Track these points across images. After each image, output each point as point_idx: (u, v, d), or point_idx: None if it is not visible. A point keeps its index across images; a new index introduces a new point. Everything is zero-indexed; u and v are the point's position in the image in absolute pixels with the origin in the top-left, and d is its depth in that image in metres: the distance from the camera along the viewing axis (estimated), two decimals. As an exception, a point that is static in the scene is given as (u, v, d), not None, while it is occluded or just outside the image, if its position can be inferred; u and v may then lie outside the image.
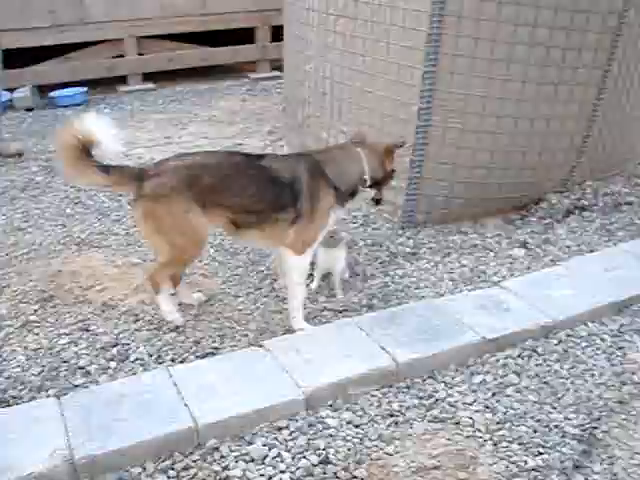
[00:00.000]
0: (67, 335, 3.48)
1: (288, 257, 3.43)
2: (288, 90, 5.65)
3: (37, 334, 3.50)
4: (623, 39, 4.24)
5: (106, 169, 3.24)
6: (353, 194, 3.54)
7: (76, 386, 3.10)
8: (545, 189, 4.65)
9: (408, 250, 4.27)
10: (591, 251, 4.21)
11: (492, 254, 4.23)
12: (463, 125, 4.25)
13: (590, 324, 3.50)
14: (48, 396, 3.01)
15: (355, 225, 4.59)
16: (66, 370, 3.21)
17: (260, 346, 3.27)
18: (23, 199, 5.02)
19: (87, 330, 3.53)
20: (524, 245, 4.29)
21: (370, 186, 3.56)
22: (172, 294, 3.64)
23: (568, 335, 3.42)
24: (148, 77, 7.68)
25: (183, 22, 7.52)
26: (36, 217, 4.75)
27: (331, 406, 2.95)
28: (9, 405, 2.97)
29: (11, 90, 6.94)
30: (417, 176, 4.37)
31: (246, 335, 3.48)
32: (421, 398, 3.01)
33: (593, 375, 3.17)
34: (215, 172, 3.30)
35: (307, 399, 2.90)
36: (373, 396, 3.01)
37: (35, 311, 3.69)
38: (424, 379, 3.12)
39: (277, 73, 8.04)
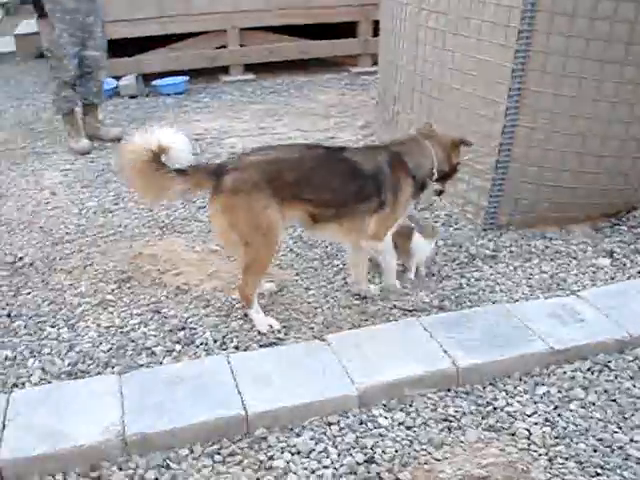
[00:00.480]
0: (139, 316, 3.61)
1: (372, 244, 3.50)
2: (381, 85, 5.60)
3: (111, 313, 3.64)
4: None
5: (183, 172, 3.24)
6: (423, 187, 3.52)
7: (140, 365, 3.21)
8: (639, 197, 4.40)
9: (488, 252, 4.14)
10: (685, 265, 3.96)
11: (575, 262, 4.04)
12: (552, 126, 4.07)
13: (672, 343, 3.29)
14: (113, 373, 3.13)
15: (437, 224, 4.49)
16: (133, 350, 3.32)
17: (322, 340, 3.27)
18: (116, 182, 5.22)
19: (158, 312, 3.64)
20: (610, 254, 4.07)
21: (437, 179, 3.53)
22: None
23: (646, 352, 3.23)
24: (249, 68, 7.82)
25: (285, 15, 7.60)
26: (126, 200, 4.93)
27: (385, 406, 2.91)
28: (76, 378, 3.12)
29: (117, 78, 7.25)
30: (502, 177, 4.23)
31: (312, 328, 3.48)
32: (479, 405, 2.92)
33: (668, 396, 2.98)
34: (297, 166, 3.30)
35: (360, 396, 2.88)
36: (429, 399, 2.95)
37: (112, 290, 3.84)
38: (485, 386, 3.03)
39: (377, 68, 7.98)
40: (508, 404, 2.93)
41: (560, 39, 3.90)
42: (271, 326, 3.46)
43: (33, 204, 4.93)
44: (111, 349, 3.34)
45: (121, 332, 3.47)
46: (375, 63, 7.96)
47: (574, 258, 4.08)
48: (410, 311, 3.63)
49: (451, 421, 2.83)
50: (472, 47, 4.22)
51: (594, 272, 3.94)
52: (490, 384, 3.04)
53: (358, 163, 3.37)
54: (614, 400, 2.94)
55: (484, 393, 2.99)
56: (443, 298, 3.72)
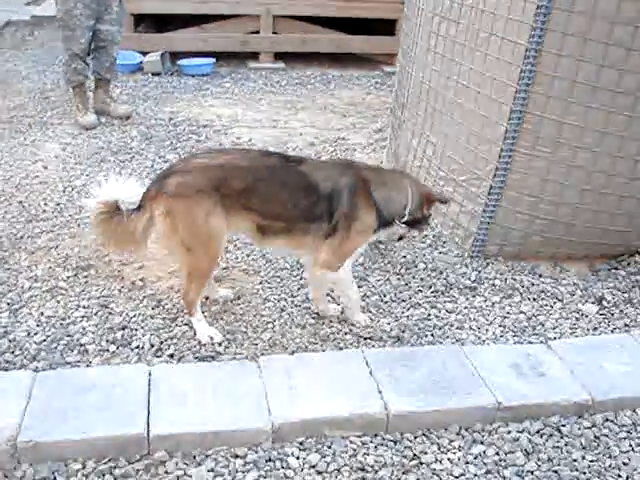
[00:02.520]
0: (84, 308, 3.47)
1: (324, 273, 3.28)
2: (395, 90, 5.32)
3: (58, 301, 3.51)
4: None
5: (139, 207, 3.15)
6: (387, 224, 3.26)
7: (67, 363, 3.07)
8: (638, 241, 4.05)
9: (468, 283, 3.86)
10: (679, 323, 3.61)
11: (559, 305, 3.72)
12: (553, 155, 3.76)
13: None
14: (35, 369, 2.99)
15: (423, 245, 4.23)
16: (66, 345, 3.18)
17: (255, 361, 3.07)
18: (111, 162, 5.11)
19: (105, 307, 3.49)
20: (599, 301, 3.75)
21: (405, 222, 3.28)
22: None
23: (606, 420, 2.92)
24: (279, 57, 7.62)
25: (322, 5, 7.37)
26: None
27: (301, 444, 2.69)
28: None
29: (144, 54, 7.14)
30: (494, 204, 3.94)
31: (256, 344, 3.28)
32: (404, 457, 2.67)
33: (620, 476, 2.68)
34: (245, 174, 3.10)
35: (275, 431, 2.67)
36: (351, 442, 2.72)
37: (67, 278, 3.71)
38: (416, 436, 2.78)
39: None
40: (437, 460, 2.67)
41: (570, 62, 3.57)
42: (212, 338, 3.27)
43: (22, 176, 4.85)
44: (44, 341, 3.21)
45: (60, 324, 3.33)
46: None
47: (559, 300, 3.76)
48: (365, 339, 3.40)
49: (367, 471, 2.60)
50: (479, 61, 3.93)
51: (577, 319, 3.63)
52: (423, 434, 2.78)
53: (313, 179, 3.13)
54: (555, 471, 2.66)
55: (413, 444, 2.74)
56: (404, 328, 3.47)
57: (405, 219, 3.26)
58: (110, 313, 3.44)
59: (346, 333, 3.42)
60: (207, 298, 3.56)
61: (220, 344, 3.25)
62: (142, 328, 3.34)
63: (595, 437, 2.84)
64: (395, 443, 2.74)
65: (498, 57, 3.80)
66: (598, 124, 3.66)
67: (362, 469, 2.61)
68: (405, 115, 4.81)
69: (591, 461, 2.72)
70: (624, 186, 3.81)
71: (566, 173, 3.79)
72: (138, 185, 3.22)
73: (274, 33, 7.43)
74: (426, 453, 2.70)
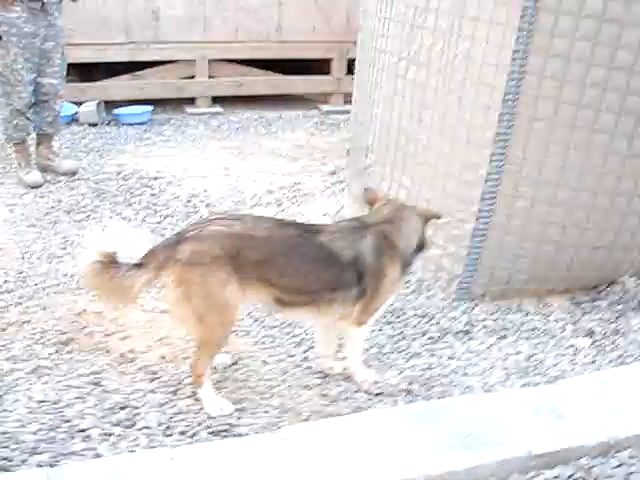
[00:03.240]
0: (76, 388, 3.22)
1: (351, 330, 3.24)
2: (354, 132, 5.32)
3: (46, 383, 3.25)
4: None
5: (140, 265, 2.97)
6: (410, 265, 3.24)
7: (72, 453, 2.84)
8: (620, 272, 4.17)
9: (460, 327, 3.86)
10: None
11: (553, 341, 3.77)
12: (535, 195, 3.83)
13: (662, 446, 3.03)
14: (40, 464, 2.75)
15: (407, 290, 4.21)
16: (66, 432, 2.93)
17: (277, 431, 2.94)
18: (65, 223, 4.85)
19: (98, 385, 3.26)
20: (590, 334, 3.83)
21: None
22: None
23: (632, 457, 2.96)
24: (217, 101, 7.51)
25: (257, 48, 7.33)
26: (74, 245, 4.55)
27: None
28: (-2, 469, 2.74)
29: (78, 104, 6.88)
30: (479, 245, 3.97)
31: (267, 412, 3.15)
32: (450, 519, 2.62)
33: (658, 513, 2.71)
34: (263, 246, 3.00)
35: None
36: (396, 510, 2.64)
37: (49, 355, 3.45)
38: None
39: (349, 107, 7.73)
40: (483, 520, 2.63)
41: (548, 104, 3.67)
42: (222, 409, 3.11)
43: (-30, 244, 4.54)
44: (41, 430, 2.95)
45: (54, 409, 3.07)
46: (347, 102, 7.79)
47: (552, 337, 3.82)
48: (376, 395, 3.32)
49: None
50: (453, 105, 3.98)
51: (574, 354, 3.68)
52: (463, 493, 2.73)
53: (335, 249, 3.07)
54: (598, 516, 2.66)
55: (456, 504, 2.68)
56: (411, 380, 3.41)
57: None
58: (105, 391, 3.22)
59: (356, 391, 3.33)
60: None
61: (231, 415, 3.10)
62: (144, 405, 3.13)
63: (626, 475, 2.86)
64: (437, 505, 2.67)
65: (476, 102, 3.86)
66: (576, 162, 3.77)
67: (413, 539, 2.52)
68: (371, 159, 4.81)
69: (628, 501, 2.74)
70: (603, 220, 3.92)
71: (548, 211, 3.87)
72: (145, 239, 3.05)
73: (210, 77, 7.33)
74: (470, 513, 2.65)
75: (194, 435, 2.97)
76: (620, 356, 3.67)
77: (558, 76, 3.61)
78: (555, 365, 3.58)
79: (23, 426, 2.96)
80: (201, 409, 3.12)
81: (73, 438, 2.91)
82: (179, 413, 3.09)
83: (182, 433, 2.98)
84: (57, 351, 3.49)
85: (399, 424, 2.94)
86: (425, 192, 4.24)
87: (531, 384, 3.41)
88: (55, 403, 3.12)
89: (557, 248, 3.97)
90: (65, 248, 4.53)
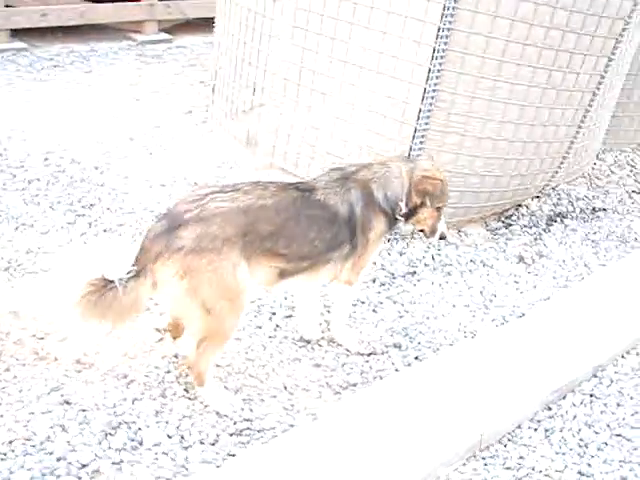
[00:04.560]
0: (45, 414, 2.67)
1: (342, 289, 3.05)
2: (224, 68, 4.87)
3: (1, 416, 2.65)
4: (621, 45, 4.01)
5: (134, 273, 2.56)
6: (394, 223, 3.05)
7: (90, 495, 2.38)
8: (525, 196, 4.40)
9: (406, 269, 3.83)
10: (585, 265, 4.06)
11: (493, 271, 3.92)
12: (465, 129, 3.84)
13: None
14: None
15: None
16: (68, 473, 2.44)
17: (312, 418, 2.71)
18: None
19: (68, 403, 2.73)
20: (521, 259, 4.02)
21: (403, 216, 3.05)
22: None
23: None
24: (15, 35, 6.39)
25: (59, -30, 6.33)
26: None
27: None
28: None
29: None
30: (410, 183, 3.91)
31: (274, 396, 2.89)
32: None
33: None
34: (273, 216, 2.66)
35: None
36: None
37: (-16, 379, 2.82)
38: (505, 445, 2.76)
39: (166, 36, 7.09)
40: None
41: (480, 39, 3.64)
42: (232, 404, 2.79)
43: None
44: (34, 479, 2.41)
45: (33, 446, 2.53)
46: (163, 31, 7.14)
47: (490, 267, 3.95)
48: (369, 355, 3.21)
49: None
50: (375, 40, 3.79)
51: (516, 282, 3.86)
52: (509, 440, 2.78)
53: (333, 206, 2.83)
54: None
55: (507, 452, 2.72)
56: (392, 332, 3.35)
57: (402, 212, 3.02)
58: (83, 410, 2.71)
59: (347, 355, 3.19)
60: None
61: (242, 409, 2.79)
62: (138, 417, 2.70)
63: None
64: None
65: (401, 36, 3.71)
66: (504, 95, 3.82)
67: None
68: (261, 98, 4.46)
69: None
70: (521, 150, 4.06)
71: (476, 145, 3.92)
72: (126, 248, 2.55)
73: (7, 6, 6.19)
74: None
75: (216, 442, 2.64)
76: (555, 278, 3.92)
77: (491, 11, 3.58)
78: (506, 296, 3.72)
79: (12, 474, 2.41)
80: (205, 408, 2.78)
81: (81, 478, 2.43)
82: (183, 418, 2.72)
83: (202, 442, 2.63)
84: (-9, 371, 2.85)
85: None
86: (342, 131, 4.05)
87: (498, 320, 3.52)
88: (29, 439, 2.56)
89: (481, 180, 4.05)
90: None
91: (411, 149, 3.83)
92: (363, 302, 3.55)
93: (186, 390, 2.85)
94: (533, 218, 4.37)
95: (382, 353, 3.22)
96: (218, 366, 2.98)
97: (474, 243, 4.15)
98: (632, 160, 5.29)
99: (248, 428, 2.71)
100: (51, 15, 6.36)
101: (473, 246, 4.12)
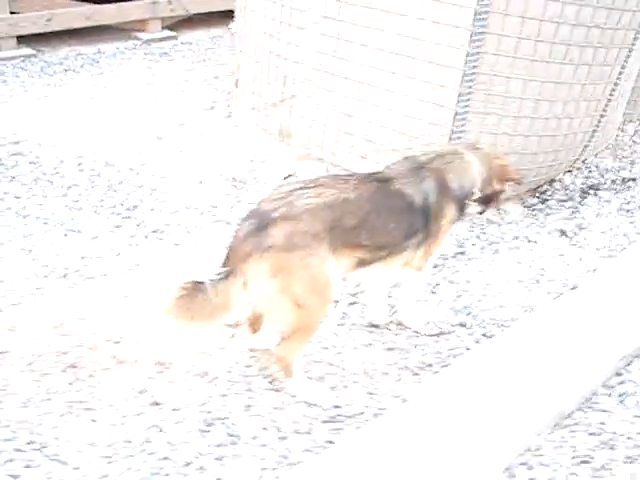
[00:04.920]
0: (139, 416, 2.70)
1: (412, 275, 3.12)
2: (249, 62, 4.88)
3: (94, 420, 2.68)
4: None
5: (225, 274, 2.57)
6: (464, 209, 3.12)
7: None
8: (558, 171, 4.48)
9: (456, 249, 3.90)
10: (624, 235, 4.14)
11: (539, 246, 4.00)
12: (503, 109, 3.91)
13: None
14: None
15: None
16: (177, 473, 2.48)
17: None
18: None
19: (158, 404, 2.77)
20: (563, 233, 4.11)
21: (476, 201, 3.15)
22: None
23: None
24: (21, 41, 6.34)
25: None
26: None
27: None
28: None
29: None
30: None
31: (355, 381, 2.94)
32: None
33: None
34: (357, 208, 2.71)
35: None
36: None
37: (70, 385, 2.83)
38: (585, 412, 2.85)
39: (170, 33, 7.08)
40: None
41: (515, 20, 3.70)
42: (320, 393, 2.84)
43: None
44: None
45: (134, 448, 2.55)
46: (166, 27, 7.12)
47: (534, 242, 4.03)
48: (437, 335, 3.28)
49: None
50: (411, 26, 3.83)
51: (561, 255, 3.94)
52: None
53: (410, 195, 2.88)
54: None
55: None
56: (455, 313, 3.43)
57: (475, 197, 3.12)
58: (174, 409, 2.74)
59: (417, 337, 3.26)
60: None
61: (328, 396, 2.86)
62: (230, 413, 2.73)
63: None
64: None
65: (438, 21, 3.75)
66: (540, 74, 3.89)
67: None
68: (294, 90, 4.49)
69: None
70: (556, 126, 4.14)
71: (514, 124, 3.98)
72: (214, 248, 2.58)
73: (12, 13, 6.14)
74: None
75: (310, 431, 2.69)
76: (598, 249, 4.00)
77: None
78: (555, 270, 3.80)
79: None
80: (294, 399, 2.82)
81: (187, 475, 2.48)
82: (274, 410, 2.77)
83: (297, 432, 2.68)
84: (75, 378, 2.87)
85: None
86: (380, 118, 4.10)
87: (554, 293, 3.60)
88: (129, 441, 2.60)
89: (520, 158, 4.12)
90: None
91: (452, 132, 3.89)
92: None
93: (270, 382, 2.91)
94: (567, 192, 4.46)
95: (449, 333, 3.29)
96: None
97: (514, 220, 4.22)
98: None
99: (338, 415, 2.76)
100: (56, 19, 6.33)
101: (514, 223, 4.19)
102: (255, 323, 2.98)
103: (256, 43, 4.74)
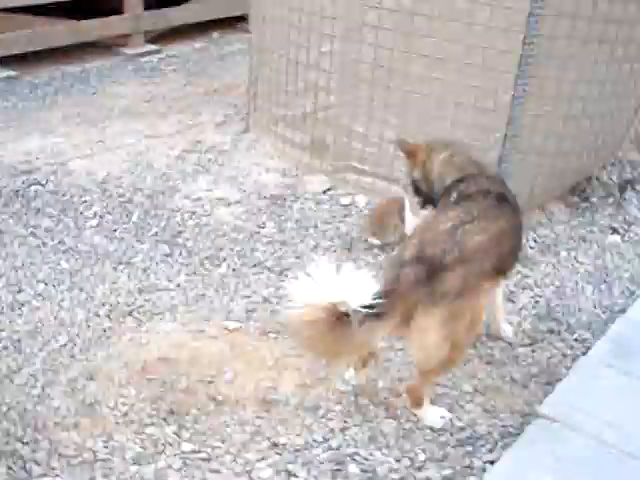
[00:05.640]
0: (262, 461, 2.54)
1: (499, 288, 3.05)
2: (270, 73, 4.71)
3: (218, 471, 2.51)
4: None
5: (377, 315, 2.38)
6: None
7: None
8: (595, 167, 4.49)
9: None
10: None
11: (595, 245, 3.99)
12: (554, 111, 3.87)
13: None
14: None
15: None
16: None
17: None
18: None
19: (277, 445, 2.62)
20: (615, 230, 4.12)
21: None
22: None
23: None
24: (4, 62, 5.97)
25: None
26: (26, 281, 3.46)
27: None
28: None
29: None
30: (505, 172, 3.91)
31: (470, 400, 2.85)
32: None
33: None
34: (510, 237, 2.69)
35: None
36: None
37: (176, 434, 2.64)
38: None
39: (154, 47, 6.81)
40: None
41: (566, 22, 3.67)
42: (444, 417, 2.74)
43: None
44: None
45: None
46: (149, 41, 6.87)
47: (590, 241, 4.02)
48: (530, 344, 3.21)
49: None
50: (459, 32, 3.75)
51: (619, 252, 3.94)
52: None
53: (520, 213, 2.83)
54: None
55: None
56: (538, 319, 3.37)
57: None
58: (296, 449, 2.60)
59: (513, 348, 3.18)
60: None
61: (450, 419, 2.75)
62: (357, 447, 2.61)
63: None
64: None
65: (489, 26, 3.69)
66: (587, 74, 3.87)
67: None
68: (327, 100, 4.35)
69: None
70: (600, 125, 4.14)
71: (564, 125, 3.96)
72: (372, 282, 2.40)
73: (-6, 34, 5.78)
74: None
75: (444, 457, 2.59)
76: (654, 242, 4.04)
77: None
78: (618, 267, 3.81)
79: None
80: (416, 425, 2.72)
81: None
82: (400, 439, 2.66)
83: (431, 460, 2.58)
84: (178, 426, 2.68)
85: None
86: (426, 127, 4.00)
87: (625, 292, 3.60)
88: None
89: (566, 159, 4.10)
90: (22, 289, 3.40)
91: (505, 137, 3.82)
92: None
93: (386, 409, 2.79)
94: (607, 188, 4.46)
95: (542, 340, 3.24)
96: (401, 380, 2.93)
97: (562, 220, 4.20)
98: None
99: (468, 438, 2.68)
100: (38, 38, 5.99)
101: (564, 223, 4.17)
102: (369, 359, 2.83)
103: (279, 54, 4.57)
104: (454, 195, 2.74)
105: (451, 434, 2.69)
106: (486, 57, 3.74)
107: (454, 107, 3.91)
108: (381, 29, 3.98)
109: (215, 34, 7.40)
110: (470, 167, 2.88)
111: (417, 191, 3.05)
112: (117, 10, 6.51)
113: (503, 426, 2.74)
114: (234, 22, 7.52)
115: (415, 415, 2.73)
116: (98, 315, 3.27)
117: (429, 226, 2.65)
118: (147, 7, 6.66)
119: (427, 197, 2.99)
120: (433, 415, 2.72)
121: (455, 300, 2.42)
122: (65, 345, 3.06)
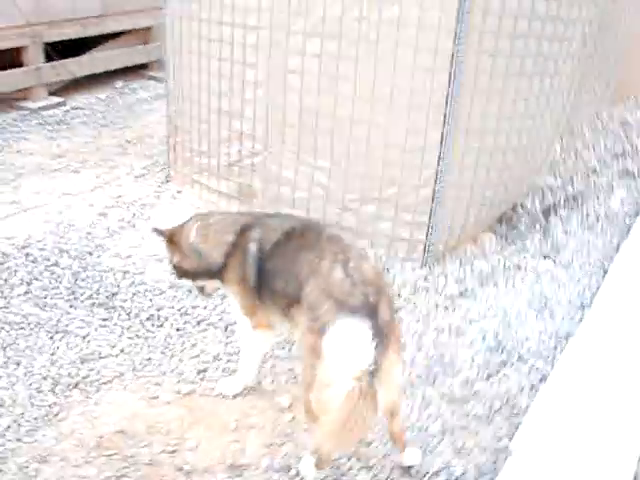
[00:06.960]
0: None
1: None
2: (191, 122, 4.62)
3: None
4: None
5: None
6: None
7: None
8: (519, 195, 4.65)
9: (456, 290, 3.89)
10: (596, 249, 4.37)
11: (530, 272, 4.10)
12: (481, 145, 3.98)
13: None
14: None
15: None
16: None
17: None
18: None
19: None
20: (546, 256, 4.25)
21: None
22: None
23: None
24: None
25: None
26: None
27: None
28: None
29: None
30: (439, 207, 3.96)
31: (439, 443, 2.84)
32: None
33: None
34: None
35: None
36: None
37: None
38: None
39: (58, 99, 6.56)
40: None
41: (487, 58, 3.80)
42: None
43: None
44: None
45: None
46: (53, 94, 6.62)
47: (524, 269, 4.13)
48: (488, 378, 3.24)
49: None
50: (384, 72, 3.81)
51: (552, 277, 4.07)
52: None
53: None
54: None
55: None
56: (490, 350, 3.41)
57: None
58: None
59: (468, 383, 3.20)
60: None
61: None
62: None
63: None
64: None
65: (413, 66, 3.76)
66: (508, 108, 4.02)
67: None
68: (254, 147, 4.30)
69: None
70: (523, 157, 4.30)
71: (490, 158, 4.07)
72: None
73: None
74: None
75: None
76: (580, 266, 4.18)
77: (494, 31, 3.75)
78: (555, 292, 3.93)
79: None
80: (392, 473, 2.67)
81: None
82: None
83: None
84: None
85: None
86: (355, 169, 4.02)
87: (566, 317, 3.71)
88: None
89: (495, 190, 4.22)
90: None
91: (437, 174, 3.89)
92: (444, 328, 3.58)
93: (358, 459, 2.73)
94: (531, 215, 4.62)
95: (497, 373, 3.27)
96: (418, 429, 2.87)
97: (494, 250, 4.31)
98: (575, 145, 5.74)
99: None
100: None
101: (497, 253, 4.27)
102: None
103: (200, 103, 4.50)
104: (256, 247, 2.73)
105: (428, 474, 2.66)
106: (413, 97, 3.81)
107: (384, 148, 3.95)
108: (306, 74, 3.99)
109: (119, 83, 7.24)
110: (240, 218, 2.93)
111: (186, 274, 3.04)
112: (15, 63, 6.24)
113: (476, 465, 2.74)
114: (137, 70, 7.40)
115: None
116: (41, 391, 3.05)
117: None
118: (48, 59, 6.42)
119: (205, 272, 2.95)
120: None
121: None
122: (9, 427, 2.83)
